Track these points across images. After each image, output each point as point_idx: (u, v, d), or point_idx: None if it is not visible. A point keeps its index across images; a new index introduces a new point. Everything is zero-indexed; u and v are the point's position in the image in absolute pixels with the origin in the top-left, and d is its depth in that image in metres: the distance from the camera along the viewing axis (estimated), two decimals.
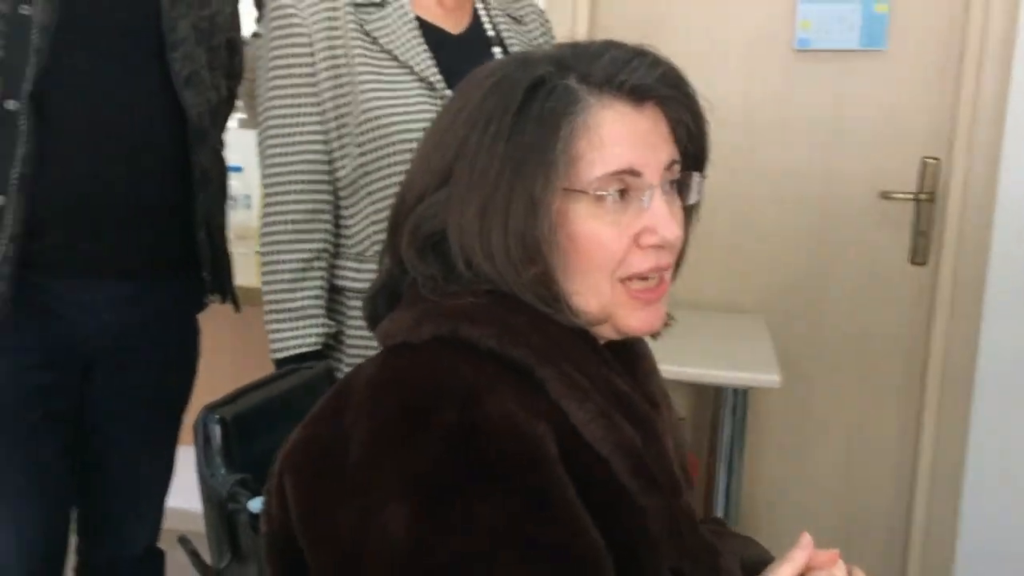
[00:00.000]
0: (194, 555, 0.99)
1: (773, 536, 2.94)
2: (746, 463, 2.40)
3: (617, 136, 0.92)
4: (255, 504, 0.96)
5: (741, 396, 2.23)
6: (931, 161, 2.62)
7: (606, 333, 0.98)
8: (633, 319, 0.97)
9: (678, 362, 2.15)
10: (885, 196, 2.66)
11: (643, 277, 0.96)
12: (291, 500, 0.89)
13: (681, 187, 1.01)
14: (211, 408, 1.04)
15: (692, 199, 1.03)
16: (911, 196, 2.64)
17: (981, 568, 2.68)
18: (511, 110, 0.91)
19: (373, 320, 1.02)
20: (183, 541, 1.00)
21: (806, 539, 0.97)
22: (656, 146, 0.95)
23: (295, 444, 0.92)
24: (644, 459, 0.92)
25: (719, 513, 2.26)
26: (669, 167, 0.97)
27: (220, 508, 0.98)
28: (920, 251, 2.66)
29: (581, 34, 2.61)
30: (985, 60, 2.52)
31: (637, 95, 0.94)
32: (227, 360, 2.45)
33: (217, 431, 1.01)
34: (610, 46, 0.97)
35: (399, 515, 0.82)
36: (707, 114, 1.05)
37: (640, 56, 0.96)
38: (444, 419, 0.84)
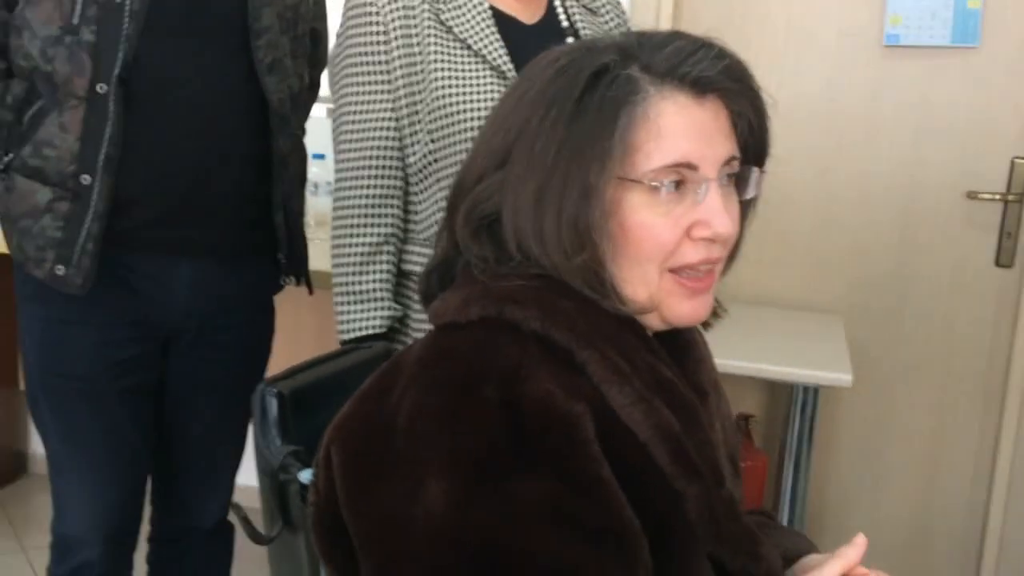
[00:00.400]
0: (246, 521, 1.03)
1: (841, 539, 2.90)
2: (815, 463, 2.37)
3: (675, 128, 0.93)
4: (305, 475, 0.99)
5: (812, 395, 2.21)
6: (1021, 161, 2.55)
7: (653, 323, 0.99)
8: (680, 308, 0.97)
9: (750, 358, 2.14)
10: (971, 196, 2.59)
11: (692, 268, 0.96)
12: (337, 472, 0.92)
13: (739, 181, 1.01)
14: (270, 382, 1.08)
15: (750, 194, 1.02)
16: (999, 197, 2.57)
17: None
18: (573, 96, 0.92)
19: (427, 298, 1.05)
20: (235, 507, 1.04)
21: (860, 539, 0.96)
22: (714, 140, 0.95)
23: (343, 418, 0.95)
24: (684, 445, 0.92)
25: (785, 512, 2.24)
26: (728, 162, 0.97)
27: (272, 478, 1.02)
28: (1006, 253, 2.59)
29: (664, 27, 2.60)
30: None
31: (699, 87, 0.94)
32: (305, 340, 2.52)
33: (274, 404, 1.05)
34: (676, 36, 0.97)
35: (439, 490, 0.84)
36: (770, 109, 1.03)
37: (705, 48, 0.96)
38: (485, 396, 0.86)
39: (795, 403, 2.23)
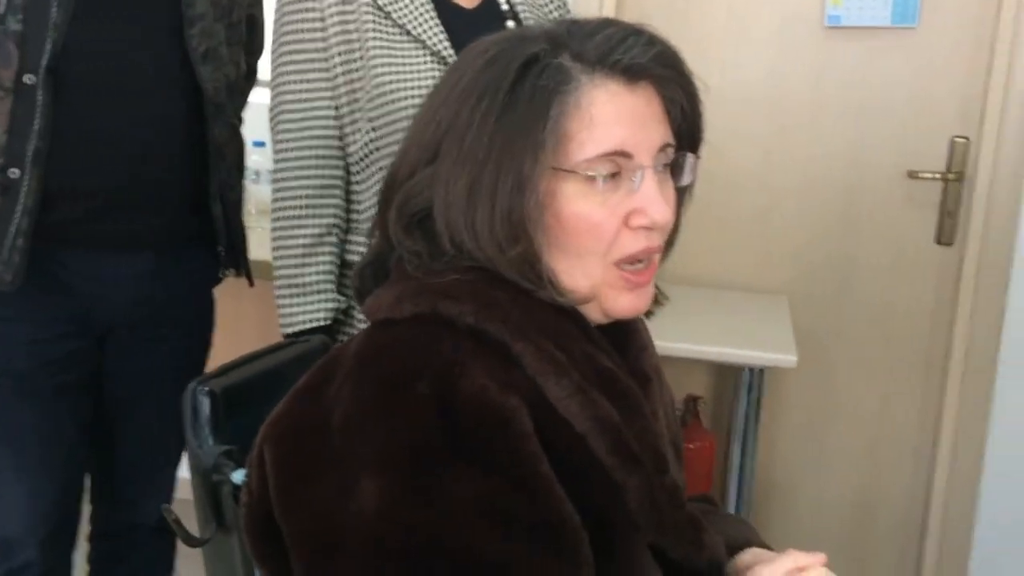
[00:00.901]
0: (178, 524, 1.01)
1: (787, 517, 2.95)
2: (761, 442, 2.39)
3: (608, 116, 0.92)
4: (238, 475, 0.97)
5: (757, 376, 2.23)
6: (960, 140, 2.58)
7: (593, 314, 0.98)
8: (621, 301, 0.97)
9: (697, 340, 2.15)
10: (912, 176, 2.62)
11: (634, 260, 0.96)
12: (270, 471, 0.90)
13: (674, 168, 1.00)
14: (201, 380, 1.06)
15: (685, 180, 1.02)
16: (939, 176, 2.60)
17: (999, 553, 2.66)
18: (503, 87, 0.91)
19: (361, 295, 1.03)
20: (167, 511, 1.02)
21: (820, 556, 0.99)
22: (648, 126, 0.94)
23: (277, 416, 0.93)
24: (623, 435, 0.92)
25: (732, 491, 2.26)
26: (662, 149, 0.96)
27: (205, 478, 1.00)
28: (946, 231, 2.62)
29: (608, 13, 2.59)
30: (1018, 38, 2.46)
31: (631, 74, 0.93)
32: (246, 332, 2.49)
33: (206, 403, 1.03)
34: (607, 24, 0.96)
35: (373, 487, 0.83)
36: (703, 95, 1.03)
37: (636, 35, 0.95)
38: (419, 393, 0.85)
39: (741, 384, 2.25)
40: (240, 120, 1.88)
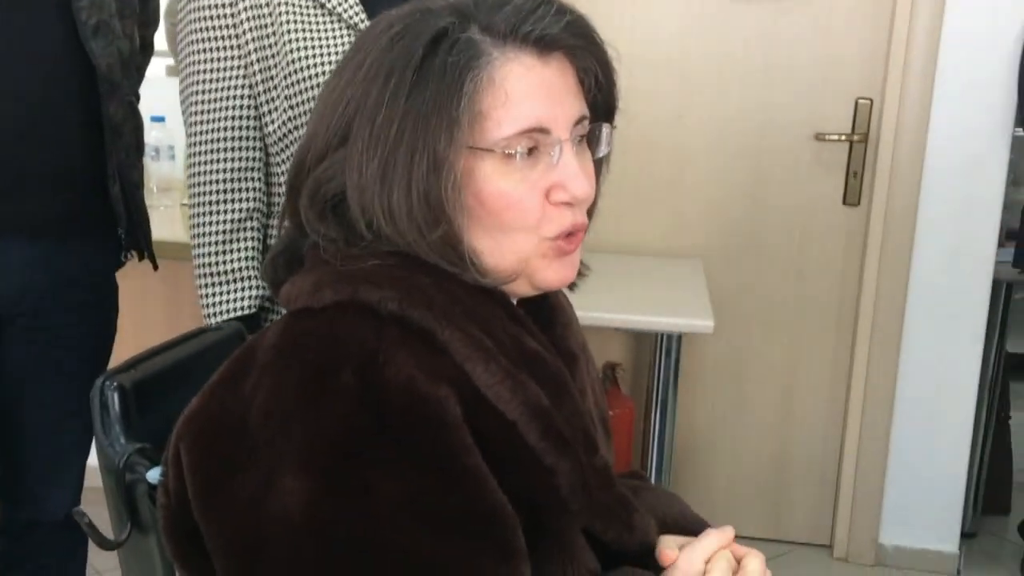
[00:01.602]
0: (91, 527, 0.96)
1: (707, 479, 2.99)
2: (680, 407, 2.41)
3: (524, 91, 0.89)
4: (154, 474, 0.93)
5: (676, 341, 2.24)
6: (864, 102, 2.62)
7: (520, 289, 0.96)
8: (549, 272, 0.95)
9: (614, 309, 2.15)
10: (819, 138, 2.66)
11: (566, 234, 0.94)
12: (187, 470, 0.86)
13: (590, 139, 0.98)
14: (110, 374, 1.01)
15: (602, 151, 1.00)
16: (844, 137, 2.64)
17: (910, 495, 2.75)
18: (412, 64, 0.88)
19: (275, 284, 0.99)
20: (79, 514, 0.97)
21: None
22: (564, 100, 0.92)
23: (193, 412, 0.89)
24: (553, 419, 0.90)
25: (653, 455, 2.28)
26: (579, 122, 0.94)
27: (118, 478, 0.95)
28: (852, 192, 2.67)
29: None
30: (918, 0, 2.51)
31: (543, 46, 0.91)
32: (154, 316, 2.41)
33: (115, 398, 0.98)
34: None
35: (296, 486, 0.80)
36: (616, 63, 1.00)
37: (545, 5, 0.92)
38: (342, 384, 0.82)
39: (659, 350, 2.26)
40: (137, 97, 1.80)
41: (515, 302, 0.97)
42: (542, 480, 0.89)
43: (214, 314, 1.54)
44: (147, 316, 2.23)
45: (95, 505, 1.23)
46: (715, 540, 0.95)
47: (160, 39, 1.97)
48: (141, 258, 1.81)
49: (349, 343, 0.85)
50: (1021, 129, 2.48)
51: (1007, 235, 2.64)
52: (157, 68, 2.22)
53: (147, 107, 1.86)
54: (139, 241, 1.78)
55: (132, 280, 1.89)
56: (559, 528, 0.92)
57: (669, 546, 0.98)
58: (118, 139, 1.67)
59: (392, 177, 0.88)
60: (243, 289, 1.54)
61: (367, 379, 0.82)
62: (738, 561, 0.96)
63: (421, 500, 0.81)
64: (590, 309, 2.02)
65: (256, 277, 1.55)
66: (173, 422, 0.90)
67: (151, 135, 2.39)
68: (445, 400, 0.83)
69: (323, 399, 0.82)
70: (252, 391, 0.85)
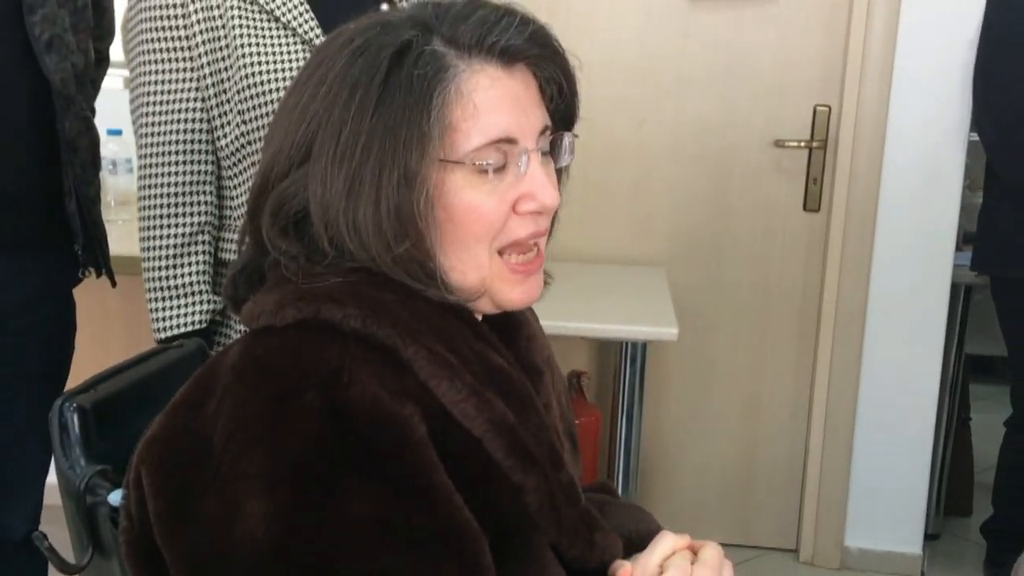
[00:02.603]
0: (51, 551, 0.94)
1: (674, 486, 3.00)
2: (646, 414, 2.42)
3: (491, 102, 0.89)
4: (115, 497, 0.91)
5: (640, 349, 2.24)
6: (823, 109, 2.64)
7: (484, 307, 0.96)
8: (513, 293, 0.95)
9: (578, 318, 2.15)
10: (779, 144, 2.68)
11: (522, 251, 0.93)
12: (149, 494, 0.84)
13: (553, 149, 0.98)
14: (69, 395, 0.99)
15: (565, 161, 1.00)
16: (803, 144, 2.67)
17: (874, 498, 2.78)
18: (377, 78, 0.87)
19: (236, 302, 0.98)
20: (38, 538, 0.95)
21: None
22: (528, 110, 0.92)
23: (154, 434, 0.87)
24: (519, 436, 0.89)
25: (620, 463, 2.28)
26: (543, 132, 0.94)
27: (79, 501, 0.93)
28: (812, 198, 2.70)
29: None
30: (874, 7, 2.54)
31: (507, 57, 0.91)
32: (114, 332, 2.38)
33: (75, 420, 0.96)
34: (475, 5, 0.93)
35: (260, 510, 0.78)
36: (578, 72, 1.01)
37: (509, 15, 0.92)
38: (306, 406, 0.81)
39: (624, 358, 2.26)
40: (93, 111, 1.78)
41: (479, 318, 0.97)
42: (510, 497, 0.89)
43: (164, 328, 1.52)
44: (106, 333, 2.20)
45: (54, 524, 1.22)
46: (670, 542, 0.94)
47: (116, 51, 1.95)
48: (99, 274, 1.78)
49: (313, 362, 0.84)
50: (976, 134, 2.52)
51: (965, 238, 2.67)
52: (114, 80, 2.19)
53: (104, 120, 1.84)
54: (96, 257, 1.75)
55: (90, 296, 1.86)
56: (528, 546, 0.91)
57: (624, 564, 0.96)
58: (74, 155, 1.65)
59: (359, 191, 0.87)
60: (194, 304, 1.52)
61: (331, 399, 0.81)
62: (695, 554, 0.94)
63: (388, 520, 0.80)
64: (555, 318, 2.02)
65: (207, 292, 1.53)
66: (134, 443, 0.88)
67: (108, 148, 2.36)
68: (411, 418, 0.83)
69: (287, 421, 0.81)
70: (214, 413, 0.84)
